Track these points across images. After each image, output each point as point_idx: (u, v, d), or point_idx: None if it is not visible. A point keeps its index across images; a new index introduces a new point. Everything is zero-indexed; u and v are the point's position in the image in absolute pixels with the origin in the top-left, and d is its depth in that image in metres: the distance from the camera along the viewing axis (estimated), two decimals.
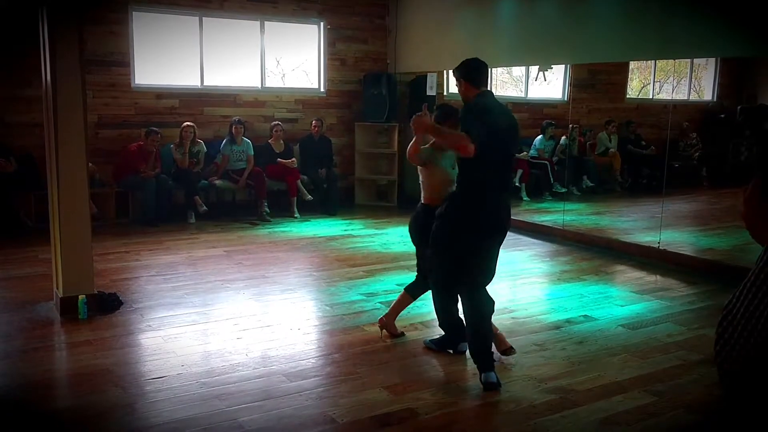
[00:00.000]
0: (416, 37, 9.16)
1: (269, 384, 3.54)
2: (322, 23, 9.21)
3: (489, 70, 3.81)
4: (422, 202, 4.06)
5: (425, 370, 3.78)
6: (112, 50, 7.88)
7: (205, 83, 8.55)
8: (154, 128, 7.77)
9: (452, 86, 9.76)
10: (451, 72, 3.99)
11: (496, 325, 3.88)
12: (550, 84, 10.19)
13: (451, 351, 4.00)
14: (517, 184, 9.64)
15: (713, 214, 9.17)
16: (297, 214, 8.31)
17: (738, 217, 1.60)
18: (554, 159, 9.75)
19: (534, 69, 9.75)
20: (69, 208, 4.52)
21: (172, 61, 8.47)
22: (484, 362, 3.57)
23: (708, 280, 5.71)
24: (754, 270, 1.55)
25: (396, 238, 7.34)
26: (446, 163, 3.95)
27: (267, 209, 8.10)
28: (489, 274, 3.69)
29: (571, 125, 9.33)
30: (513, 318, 4.69)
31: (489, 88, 3.78)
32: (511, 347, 3.91)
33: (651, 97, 10.42)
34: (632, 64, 9.91)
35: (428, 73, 8.88)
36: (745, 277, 1.58)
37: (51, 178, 4.64)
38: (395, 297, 5.09)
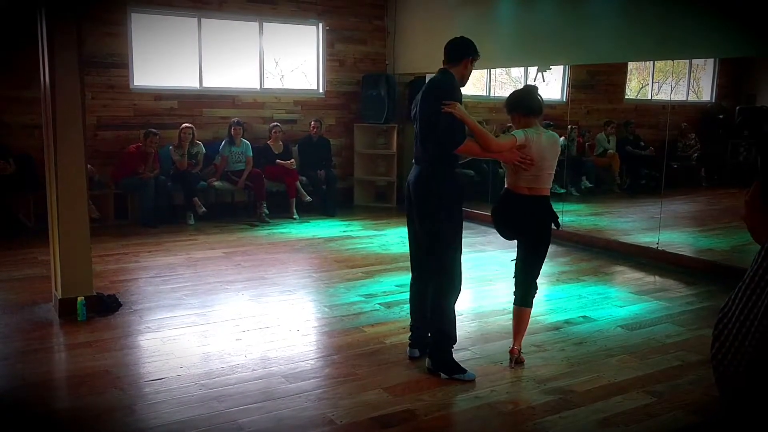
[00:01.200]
0: (415, 38, 9.16)
1: (268, 385, 3.54)
2: (320, 24, 9.21)
3: (462, 46, 3.79)
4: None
5: (424, 372, 3.78)
6: (110, 51, 7.88)
7: (203, 84, 8.55)
8: (153, 130, 7.77)
9: None
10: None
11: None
12: (548, 85, 10.19)
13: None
14: None
15: (712, 215, 9.17)
16: (296, 216, 8.31)
17: (739, 218, 1.60)
18: None
19: (532, 70, 9.76)
20: (68, 209, 4.52)
21: (170, 62, 8.46)
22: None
23: (707, 281, 5.72)
24: (749, 272, 1.55)
25: (395, 239, 7.34)
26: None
27: (266, 210, 8.10)
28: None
29: (569, 126, 9.34)
30: (512, 319, 4.68)
31: (447, 68, 3.80)
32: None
33: (650, 97, 10.43)
34: (631, 65, 9.92)
35: (427, 74, 8.87)
36: (743, 277, 1.58)
37: (50, 180, 4.64)
38: (394, 298, 5.12)
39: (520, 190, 3.77)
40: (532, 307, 3.89)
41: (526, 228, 3.80)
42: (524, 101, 3.78)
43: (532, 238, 3.82)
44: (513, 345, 3.88)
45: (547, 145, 3.73)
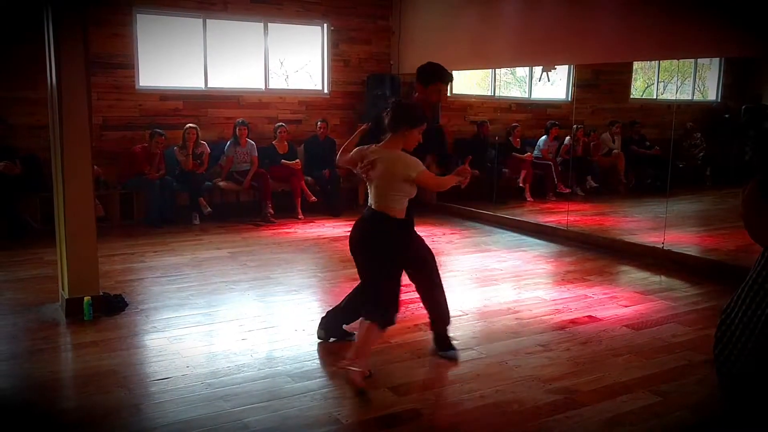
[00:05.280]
0: (419, 38, 9.17)
1: (274, 385, 3.55)
2: (325, 24, 9.22)
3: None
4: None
5: (430, 371, 3.79)
6: (116, 52, 7.91)
7: (209, 85, 8.57)
8: (159, 130, 7.80)
9: (456, 87, 9.80)
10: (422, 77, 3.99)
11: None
12: (553, 84, 10.19)
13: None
14: (520, 184, 9.65)
15: (718, 215, 9.15)
16: (301, 215, 8.32)
17: (738, 217, 1.60)
18: (558, 159, 9.76)
19: (537, 69, 9.75)
20: (74, 209, 4.54)
21: (175, 62, 8.49)
22: None
23: (713, 281, 5.71)
24: (751, 274, 1.55)
25: None
26: None
27: (271, 210, 8.12)
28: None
29: (575, 125, 9.33)
30: (517, 319, 4.69)
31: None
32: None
33: (655, 97, 10.40)
34: (636, 64, 9.90)
35: None
36: (746, 279, 1.58)
37: (56, 180, 4.66)
38: None
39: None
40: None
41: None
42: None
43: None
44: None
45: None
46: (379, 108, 4.00)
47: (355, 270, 3.92)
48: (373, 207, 3.55)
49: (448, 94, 9.50)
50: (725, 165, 10.00)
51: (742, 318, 1.53)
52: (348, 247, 3.74)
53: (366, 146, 3.58)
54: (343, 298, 4.21)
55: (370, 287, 3.62)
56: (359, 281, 3.87)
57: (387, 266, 3.53)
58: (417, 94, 4.00)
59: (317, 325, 4.24)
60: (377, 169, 3.48)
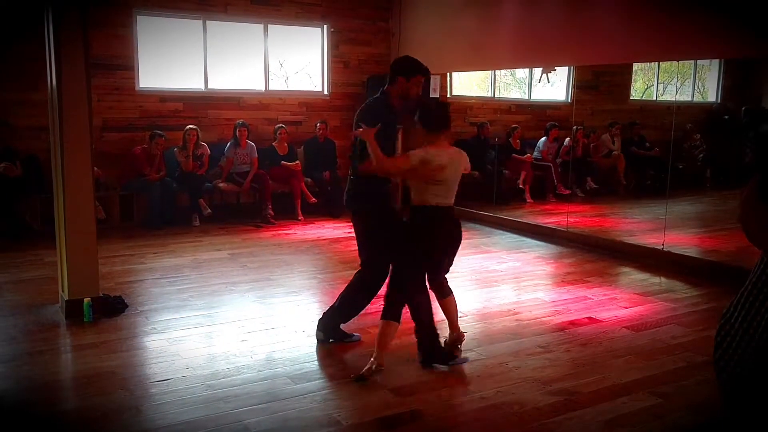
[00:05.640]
0: (419, 40, 9.16)
1: (274, 386, 3.55)
2: (325, 26, 9.23)
3: (396, 65, 4.17)
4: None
5: (430, 372, 3.79)
6: (116, 54, 7.91)
7: (209, 86, 8.57)
8: (159, 131, 7.80)
9: (456, 88, 9.81)
10: (429, 74, 4.10)
11: None
12: (553, 86, 10.20)
13: None
14: (520, 186, 9.66)
15: (717, 216, 9.15)
16: (301, 217, 8.33)
17: (736, 219, 1.59)
18: (558, 161, 9.76)
19: (537, 71, 9.76)
20: (74, 211, 4.54)
21: (176, 64, 8.50)
22: None
23: (712, 282, 5.71)
24: (751, 277, 1.55)
25: None
26: None
27: (271, 212, 8.12)
28: None
29: (574, 127, 9.33)
30: (517, 320, 4.69)
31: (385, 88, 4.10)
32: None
33: (655, 98, 10.40)
34: (636, 66, 9.90)
35: (431, 75, 8.88)
36: (745, 283, 1.58)
37: (56, 182, 4.66)
38: None
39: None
40: None
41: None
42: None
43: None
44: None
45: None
46: (376, 107, 3.95)
47: (354, 271, 3.96)
48: (448, 205, 3.73)
49: (448, 95, 9.52)
50: (725, 166, 10.00)
51: (742, 322, 1.53)
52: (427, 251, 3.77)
53: (422, 150, 3.64)
54: (336, 298, 4.22)
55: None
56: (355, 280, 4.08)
57: None
58: (396, 86, 3.93)
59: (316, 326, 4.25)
60: (451, 170, 3.68)
